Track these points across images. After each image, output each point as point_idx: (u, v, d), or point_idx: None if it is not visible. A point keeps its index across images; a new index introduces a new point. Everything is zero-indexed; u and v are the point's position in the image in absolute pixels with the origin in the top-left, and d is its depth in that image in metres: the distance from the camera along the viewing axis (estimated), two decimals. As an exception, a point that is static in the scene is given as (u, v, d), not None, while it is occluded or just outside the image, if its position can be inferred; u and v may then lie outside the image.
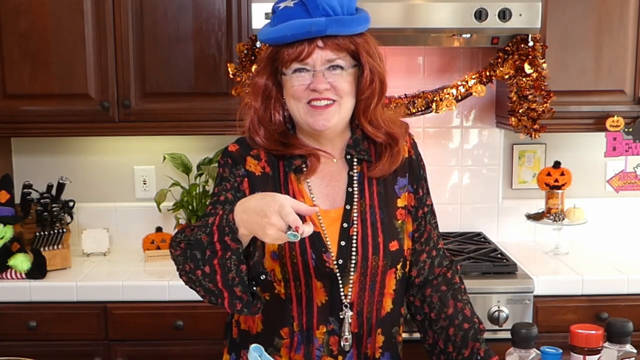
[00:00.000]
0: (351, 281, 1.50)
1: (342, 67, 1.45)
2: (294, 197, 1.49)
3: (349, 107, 1.49)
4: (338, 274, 1.49)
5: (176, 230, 1.45)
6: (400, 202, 1.57)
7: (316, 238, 1.48)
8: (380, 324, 1.55)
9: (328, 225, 1.51)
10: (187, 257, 1.35)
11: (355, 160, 1.55)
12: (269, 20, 1.51)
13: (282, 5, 1.44)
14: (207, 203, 1.55)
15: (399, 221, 1.55)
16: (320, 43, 1.42)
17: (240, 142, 1.58)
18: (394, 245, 1.53)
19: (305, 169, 1.52)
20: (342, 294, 1.50)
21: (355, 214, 1.51)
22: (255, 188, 1.50)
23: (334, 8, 1.40)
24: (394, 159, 1.54)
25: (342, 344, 1.50)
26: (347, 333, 1.50)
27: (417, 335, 1.68)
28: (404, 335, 1.68)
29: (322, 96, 1.44)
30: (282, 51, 1.44)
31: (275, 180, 1.52)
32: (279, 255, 1.48)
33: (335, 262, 1.49)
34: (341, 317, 1.50)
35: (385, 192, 1.55)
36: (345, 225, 1.51)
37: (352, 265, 1.49)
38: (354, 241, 1.50)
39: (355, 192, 1.53)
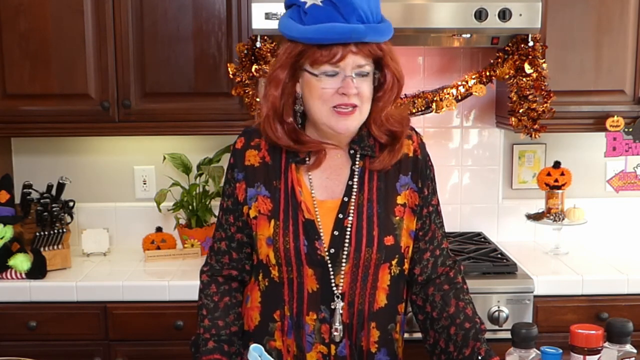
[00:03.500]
0: (343, 271, 1.53)
1: (367, 74, 1.49)
2: (293, 185, 1.55)
3: (367, 111, 1.53)
4: (329, 263, 1.53)
5: (205, 259, 1.72)
6: (400, 200, 1.58)
7: (309, 225, 1.53)
8: (374, 318, 1.57)
9: (323, 215, 1.55)
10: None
11: (358, 155, 1.58)
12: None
13: (308, 1, 1.46)
14: (220, 202, 1.67)
15: (397, 217, 1.57)
16: (354, 48, 1.45)
17: (246, 133, 1.64)
18: (389, 240, 1.55)
19: (307, 162, 1.57)
20: (332, 283, 1.53)
21: (352, 207, 1.55)
22: (253, 181, 1.58)
23: (367, 14, 1.44)
24: (394, 153, 1.57)
25: (332, 333, 1.54)
26: (337, 323, 1.54)
27: (416, 335, 1.68)
28: (405, 335, 1.69)
29: (349, 101, 1.47)
30: (314, 51, 1.46)
31: (276, 168, 1.57)
32: (273, 241, 1.54)
33: (326, 251, 1.53)
34: (332, 307, 1.53)
35: (385, 188, 1.57)
36: (340, 215, 1.55)
37: (345, 255, 1.53)
38: (348, 232, 1.53)
39: (355, 186, 1.56)
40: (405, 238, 1.59)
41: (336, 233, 1.53)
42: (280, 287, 1.56)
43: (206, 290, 1.64)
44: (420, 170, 1.62)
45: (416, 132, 1.66)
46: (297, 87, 1.53)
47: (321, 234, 1.53)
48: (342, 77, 1.46)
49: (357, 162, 1.58)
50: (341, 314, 1.54)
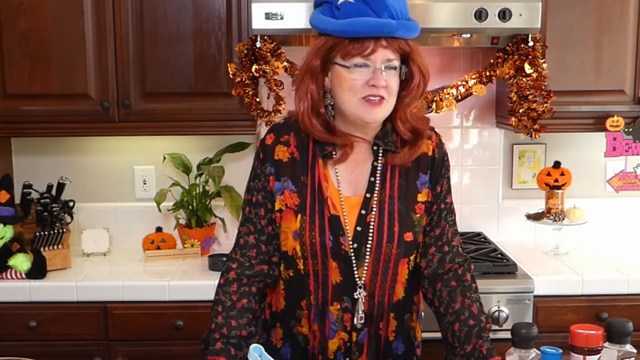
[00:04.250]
0: (365, 265, 1.59)
1: (395, 68, 1.54)
2: (320, 181, 1.60)
3: (392, 105, 1.58)
4: (353, 257, 1.58)
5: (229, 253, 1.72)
6: (421, 197, 1.64)
7: (335, 221, 1.58)
8: (392, 309, 1.65)
9: (348, 211, 1.60)
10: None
11: (381, 151, 1.62)
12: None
13: None
14: (244, 197, 1.69)
15: (417, 215, 1.63)
16: (384, 43, 1.51)
17: (275, 129, 1.67)
18: (408, 236, 1.61)
19: (334, 156, 1.61)
20: (356, 276, 1.59)
21: (375, 203, 1.60)
22: (280, 175, 1.62)
23: (397, 12, 1.51)
24: (414, 150, 1.62)
25: (355, 321, 1.60)
26: (360, 312, 1.60)
27: (428, 335, 1.71)
28: (423, 335, 1.76)
29: (378, 93, 1.52)
30: (346, 44, 1.51)
31: (303, 164, 1.62)
32: (300, 235, 1.59)
33: (350, 246, 1.58)
34: (355, 297, 1.59)
35: (406, 185, 1.63)
36: (363, 212, 1.60)
37: (367, 250, 1.58)
38: (371, 228, 1.59)
39: (377, 182, 1.61)
40: (421, 234, 1.65)
41: (359, 229, 1.59)
42: (306, 278, 1.61)
43: (226, 287, 1.65)
44: (436, 168, 1.66)
45: (435, 132, 1.70)
46: (326, 81, 1.58)
47: (346, 230, 1.58)
48: (372, 70, 1.51)
49: (379, 158, 1.62)
50: (363, 303, 1.59)
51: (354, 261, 1.58)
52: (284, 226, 1.61)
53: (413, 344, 1.71)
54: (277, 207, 1.62)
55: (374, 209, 1.59)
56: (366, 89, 1.52)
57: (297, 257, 1.61)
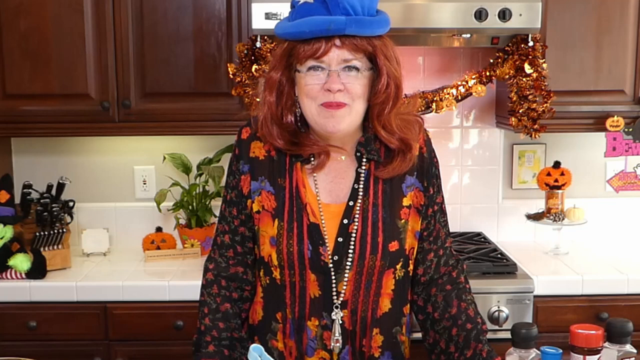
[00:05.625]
0: (346, 279, 1.50)
1: (357, 69, 1.43)
2: (297, 185, 1.51)
3: (360, 111, 1.47)
4: (332, 270, 1.49)
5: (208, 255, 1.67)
6: (406, 201, 1.54)
7: (314, 230, 1.49)
8: (377, 324, 1.55)
9: (328, 219, 1.51)
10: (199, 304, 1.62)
11: (365, 158, 1.53)
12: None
13: (301, 0, 1.42)
14: (223, 195, 1.63)
15: (402, 220, 1.53)
16: (337, 42, 1.40)
17: (252, 122, 1.58)
18: (393, 246, 1.51)
19: (312, 161, 1.52)
20: (334, 291, 1.50)
21: (357, 212, 1.50)
22: (257, 174, 1.54)
23: (354, 7, 1.38)
24: (405, 163, 1.52)
25: (332, 344, 1.52)
26: (337, 335, 1.51)
27: (417, 335, 1.69)
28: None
29: (334, 100, 1.42)
30: (299, 47, 1.42)
31: (281, 165, 1.53)
32: (277, 242, 1.50)
33: (330, 258, 1.49)
34: (332, 317, 1.51)
35: (390, 191, 1.53)
36: (345, 221, 1.50)
37: (349, 262, 1.49)
38: (352, 238, 1.49)
39: (360, 189, 1.51)
40: (410, 239, 1.55)
41: (340, 240, 1.50)
42: (282, 289, 1.53)
43: (208, 289, 1.59)
44: (426, 168, 1.57)
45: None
46: (295, 90, 1.49)
47: (326, 240, 1.49)
48: (327, 73, 1.41)
49: (363, 165, 1.53)
50: (342, 323, 1.51)
51: (333, 275, 1.49)
52: (262, 229, 1.53)
53: (403, 359, 1.60)
54: (255, 209, 1.53)
55: (357, 218, 1.49)
56: (324, 94, 1.41)
57: (272, 265, 1.52)
